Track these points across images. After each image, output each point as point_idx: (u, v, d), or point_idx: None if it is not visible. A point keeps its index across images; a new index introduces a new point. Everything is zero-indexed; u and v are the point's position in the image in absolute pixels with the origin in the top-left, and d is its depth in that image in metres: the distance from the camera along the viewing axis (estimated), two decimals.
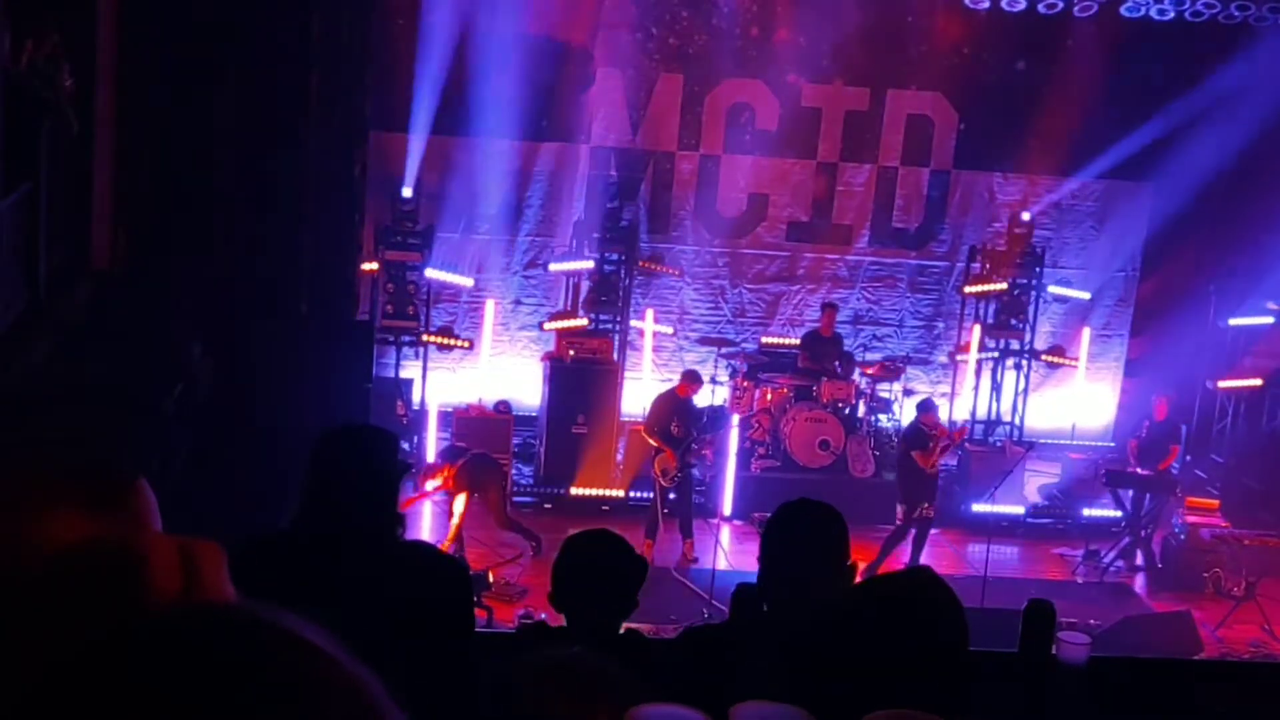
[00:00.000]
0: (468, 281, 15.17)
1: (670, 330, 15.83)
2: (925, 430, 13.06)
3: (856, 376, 14.92)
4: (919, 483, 12.98)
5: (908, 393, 15.41)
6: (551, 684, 2.37)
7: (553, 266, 15.21)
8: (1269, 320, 15.07)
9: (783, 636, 3.58)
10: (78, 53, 7.21)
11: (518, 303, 15.73)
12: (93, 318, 7.21)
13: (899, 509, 13.15)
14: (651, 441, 13.15)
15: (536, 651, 2.52)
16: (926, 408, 13.29)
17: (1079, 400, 16.13)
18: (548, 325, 15.07)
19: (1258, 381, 15.08)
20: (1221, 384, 15.40)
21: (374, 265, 14.13)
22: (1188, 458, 15.15)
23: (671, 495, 13.08)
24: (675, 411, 13.11)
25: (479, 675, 3.29)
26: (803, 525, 3.84)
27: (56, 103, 6.74)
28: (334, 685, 0.98)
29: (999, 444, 15.38)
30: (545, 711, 2.31)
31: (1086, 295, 16.10)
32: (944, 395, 16.26)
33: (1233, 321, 15.36)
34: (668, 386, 13.70)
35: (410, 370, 14.89)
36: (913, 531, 13.08)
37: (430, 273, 14.70)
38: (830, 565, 3.75)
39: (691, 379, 13.37)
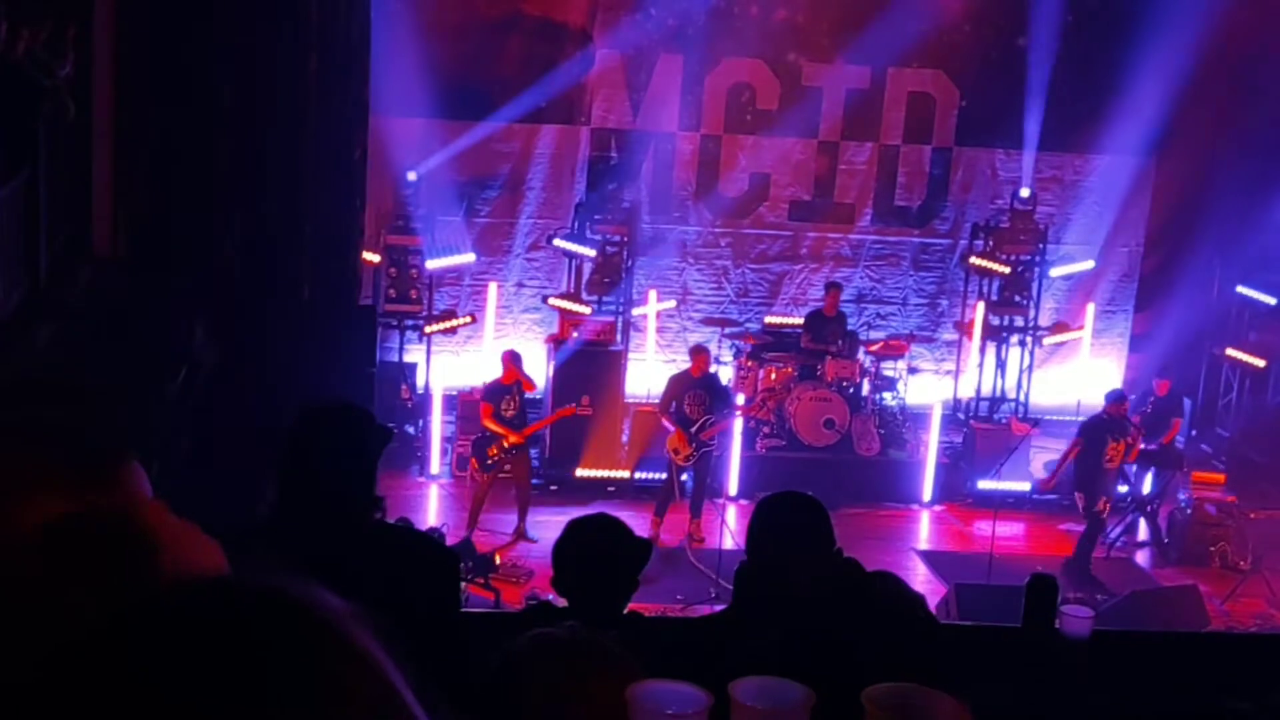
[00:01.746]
0: (469, 257, 15.15)
1: (673, 304, 15.82)
2: (1115, 421, 12.76)
3: (860, 355, 14.91)
4: (1104, 476, 12.72)
5: (912, 370, 15.41)
6: (550, 660, 2.37)
7: (557, 242, 15.19)
8: (1272, 300, 15.01)
9: (781, 616, 3.59)
10: (75, 38, 7.20)
11: (520, 285, 15.74)
12: (94, 304, 7.21)
13: (1081, 500, 12.84)
14: (665, 423, 13.18)
15: (535, 628, 2.52)
16: (1119, 398, 12.99)
17: (1084, 376, 16.10)
18: (552, 300, 15.07)
19: (1261, 362, 15.03)
20: (1230, 351, 15.35)
21: (376, 257, 14.10)
22: (1193, 432, 15.14)
23: (684, 476, 13.11)
24: (688, 390, 13.12)
25: (467, 659, 3.30)
26: (782, 518, 3.83)
27: (54, 89, 6.73)
28: (362, 676, 0.97)
29: (1004, 421, 15.37)
30: (545, 687, 2.32)
31: (1090, 264, 16.07)
32: (948, 373, 16.26)
33: (1240, 289, 15.30)
34: (682, 368, 13.72)
35: (414, 354, 14.90)
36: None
37: (432, 263, 14.70)
38: (810, 554, 3.75)
39: (697, 353, 13.42)
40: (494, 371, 14.46)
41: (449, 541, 10.90)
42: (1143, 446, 13.44)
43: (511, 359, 12.84)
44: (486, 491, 12.66)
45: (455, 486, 14.04)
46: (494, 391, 12.81)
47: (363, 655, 0.97)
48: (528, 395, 12.99)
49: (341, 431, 3.90)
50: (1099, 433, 12.68)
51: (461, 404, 14.39)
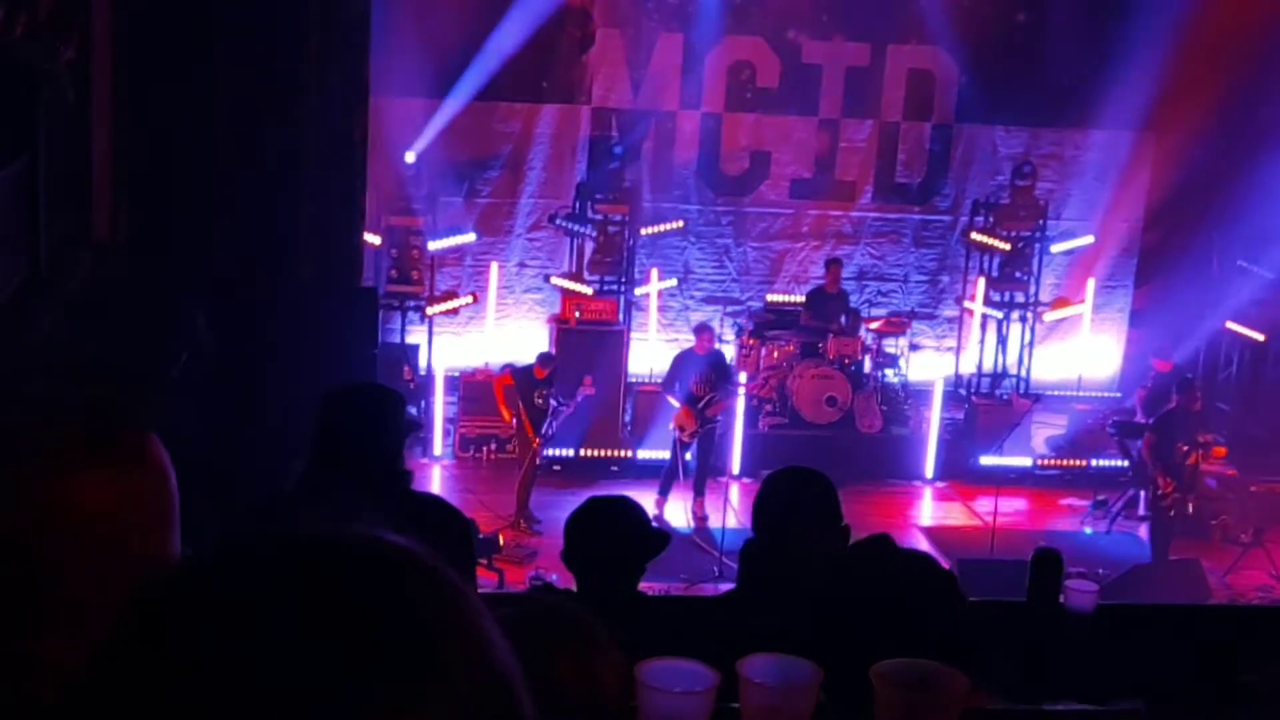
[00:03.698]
0: (470, 237, 15.13)
1: (674, 282, 15.81)
2: (1185, 413, 12.42)
3: (862, 332, 14.91)
4: (1177, 472, 12.34)
5: (913, 347, 15.41)
6: (515, 634, 2.37)
7: (558, 221, 15.18)
8: (1272, 275, 14.97)
9: (789, 594, 3.59)
10: (75, 22, 7.19)
11: (522, 265, 15.72)
12: (95, 289, 7.21)
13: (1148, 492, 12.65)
14: (671, 401, 13.21)
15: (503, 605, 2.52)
16: (1189, 386, 12.63)
17: (1085, 351, 16.12)
18: (554, 279, 15.07)
19: (1261, 336, 15.01)
20: (1230, 325, 15.33)
21: (377, 239, 14.09)
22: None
23: (688, 454, 13.13)
24: (694, 368, 13.14)
25: None
26: (787, 494, 3.83)
27: (54, 73, 6.72)
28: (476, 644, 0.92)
29: (1006, 397, 15.39)
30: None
31: (1090, 239, 16.07)
32: (950, 349, 16.26)
33: (1241, 263, 15.27)
34: (687, 346, 13.75)
35: (416, 335, 14.90)
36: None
37: (434, 245, 14.69)
38: (818, 530, 3.75)
39: (700, 331, 13.47)
40: (492, 354, 14.56)
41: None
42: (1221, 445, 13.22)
43: (545, 362, 12.88)
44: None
45: (458, 468, 14.07)
46: (526, 379, 12.82)
47: (473, 613, 0.93)
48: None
49: (373, 406, 4.15)
50: (1169, 425, 12.45)
51: (464, 385, 14.40)
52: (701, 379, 13.12)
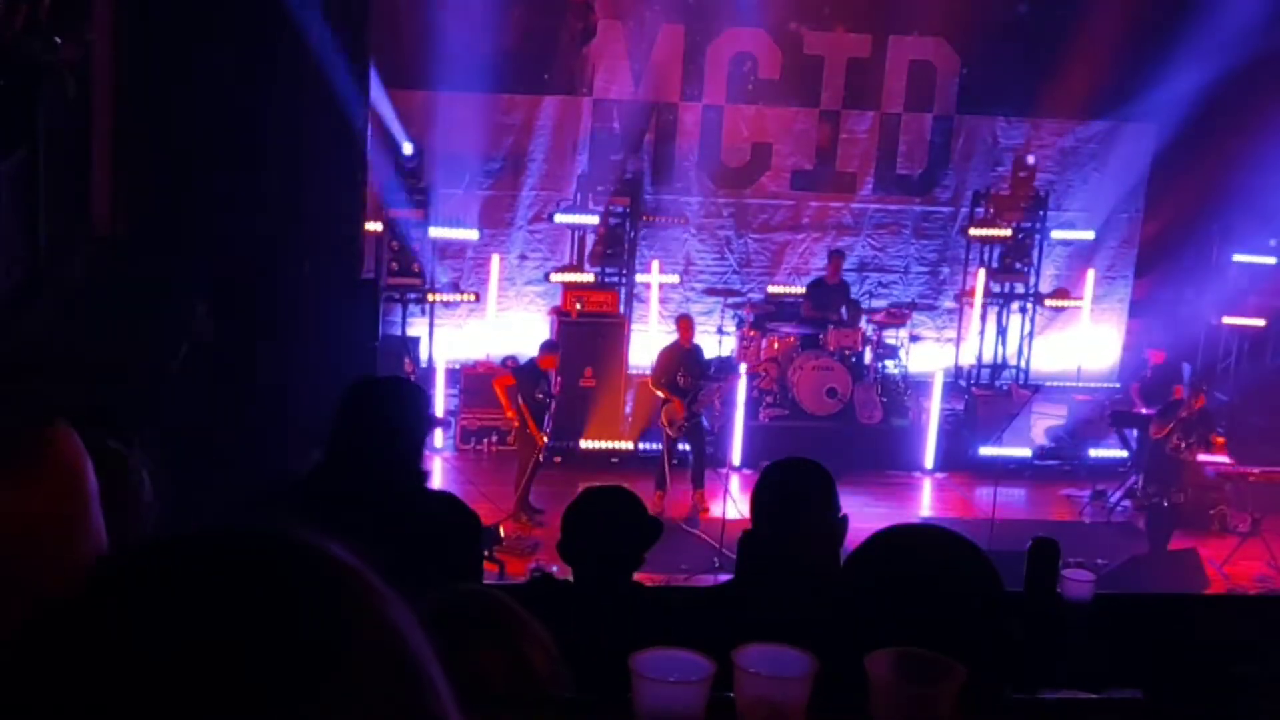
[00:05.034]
0: (472, 234, 15.16)
1: (676, 279, 15.81)
2: (1177, 405, 12.48)
3: (863, 324, 14.92)
4: (1165, 464, 12.44)
5: (914, 339, 15.42)
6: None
7: (558, 218, 15.19)
8: (1271, 260, 14.99)
9: (787, 584, 3.61)
10: (75, 15, 7.19)
11: (523, 257, 15.72)
12: (95, 282, 7.23)
13: (1140, 484, 12.73)
14: (659, 393, 13.23)
15: (539, 601, 2.54)
16: (1196, 387, 12.69)
17: (1084, 342, 16.12)
18: (554, 276, 15.08)
19: (1261, 321, 15.04)
20: (1226, 320, 15.37)
21: (378, 226, 14.10)
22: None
23: (682, 446, 13.15)
24: (681, 361, 13.17)
25: None
26: (785, 485, 3.84)
27: (54, 66, 6.73)
28: (380, 626, 0.91)
29: (1005, 387, 15.39)
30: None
31: (1090, 234, 16.08)
32: (950, 340, 16.27)
33: (1237, 258, 15.31)
34: (673, 338, 13.76)
35: (417, 328, 14.90)
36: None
37: (434, 231, 14.69)
38: (816, 520, 3.75)
39: (685, 321, 13.49)
40: (493, 346, 14.50)
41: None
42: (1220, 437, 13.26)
43: (552, 349, 12.89)
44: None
45: (459, 460, 14.07)
46: (529, 373, 12.83)
47: (382, 605, 0.93)
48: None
49: (396, 401, 4.11)
50: (1172, 417, 12.48)
51: (465, 377, 14.41)
52: (687, 371, 13.15)
